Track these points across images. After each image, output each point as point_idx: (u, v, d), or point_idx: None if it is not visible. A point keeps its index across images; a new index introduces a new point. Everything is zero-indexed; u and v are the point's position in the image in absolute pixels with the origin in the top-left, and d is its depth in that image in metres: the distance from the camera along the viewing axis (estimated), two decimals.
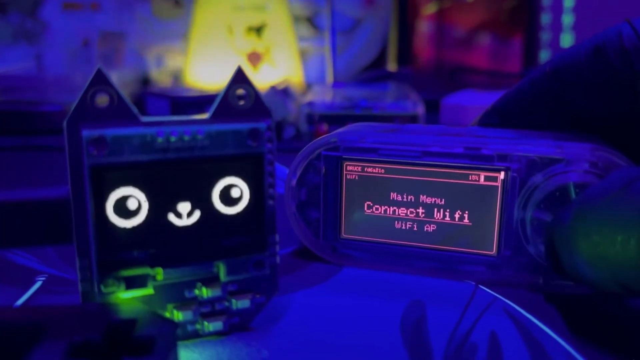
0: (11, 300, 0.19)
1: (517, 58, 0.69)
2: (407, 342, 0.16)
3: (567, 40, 0.62)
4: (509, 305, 0.19)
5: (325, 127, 0.45)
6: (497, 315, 0.18)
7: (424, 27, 0.82)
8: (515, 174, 0.19)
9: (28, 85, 0.59)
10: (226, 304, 0.17)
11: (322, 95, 0.51)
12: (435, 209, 0.20)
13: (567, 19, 0.57)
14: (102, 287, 0.15)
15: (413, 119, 0.45)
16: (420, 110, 0.45)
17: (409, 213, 0.21)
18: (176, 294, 0.16)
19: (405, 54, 0.74)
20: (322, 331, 0.17)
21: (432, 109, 0.52)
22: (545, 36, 0.60)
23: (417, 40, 0.80)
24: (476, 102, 0.51)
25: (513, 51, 0.74)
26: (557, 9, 0.57)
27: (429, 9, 0.81)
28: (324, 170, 0.21)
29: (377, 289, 0.20)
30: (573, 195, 0.18)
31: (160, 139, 0.15)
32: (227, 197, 0.16)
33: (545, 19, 0.58)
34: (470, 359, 0.16)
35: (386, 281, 0.21)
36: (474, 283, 0.20)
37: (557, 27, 0.58)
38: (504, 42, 0.75)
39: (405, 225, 0.21)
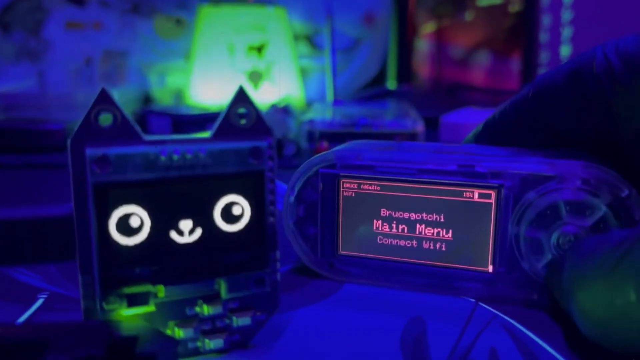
0: (14, 317, 0.19)
1: (515, 76, 0.70)
2: (408, 359, 0.16)
3: (565, 57, 0.62)
4: (509, 322, 0.19)
5: (325, 144, 0.45)
6: (496, 332, 0.18)
7: (423, 46, 0.82)
8: (508, 191, 0.19)
9: (30, 103, 0.59)
10: (227, 321, 0.17)
11: (323, 113, 0.51)
12: (431, 226, 0.21)
13: (566, 32, 0.58)
14: (105, 304, 0.15)
15: (412, 136, 0.45)
16: (420, 127, 0.46)
17: (405, 230, 0.21)
18: (177, 311, 0.16)
19: (405, 72, 0.75)
20: (323, 348, 0.17)
21: (432, 126, 0.53)
22: (543, 54, 0.61)
23: (417, 59, 0.81)
24: (475, 119, 0.52)
25: (512, 69, 0.75)
26: (555, 27, 0.58)
27: (428, 28, 0.82)
28: (321, 187, 0.21)
29: (378, 305, 0.20)
30: (564, 212, 0.19)
31: (163, 158, 0.15)
32: (228, 215, 0.16)
33: (544, 37, 0.59)
34: None
35: (386, 297, 0.21)
36: (473, 300, 0.20)
37: (555, 45, 0.59)
38: (502, 60, 0.76)
39: (401, 242, 0.21)
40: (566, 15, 0.57)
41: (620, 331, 0.14)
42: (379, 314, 0.19)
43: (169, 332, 0.16)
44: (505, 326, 0.19)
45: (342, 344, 0.17)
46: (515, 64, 0.70)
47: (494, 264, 0.20)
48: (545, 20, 0.58)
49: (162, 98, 0.73)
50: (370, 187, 0.21)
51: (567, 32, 0.57)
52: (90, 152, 0.14)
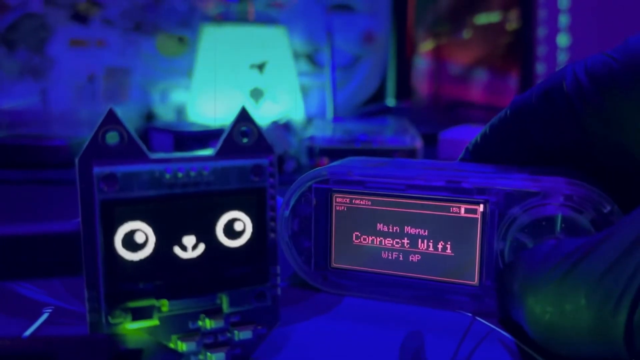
0: (19, 332, 0.19)
1: (513, 92, 0.70)
2: None
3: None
4: (505, 336, 0.19)
5: (325, 160, 0.46)
6: (493, 345, 0.18)
7: (421, 63, 0.83)
8: (493, 207, 0.20)
9: (33, 120, 0.60)
10: (228, 335, 0.17)
11: (323, 130, 0.52)
12: (419, 240, 0.21)
13: (562, 57, 0.59)
14: (110, 318, 0.15)
15: (411, 152, 0.46)
16: (418, 144, 0.46)
17: (394, 243, 0.22)
18: (180, 325, 0.17)
19: (404, 89, 0.76)
20: None
21: (430, 142, 0.53)
22: (540, 71, 0.62)
23: (415, 76, 0.82)
24: (472, 136, 0.52)
25: (509, 86, 0.76)
26: (552, 47, 0.58)
27: (427, 46, 0.83)
28: (314, 201, 0.22)
29: (376, 318, 0.20)
30: (547, 228, 0.19)
31: (168, 175, 0.16)
32: (230, 231, 0.17)
33: (541, 53, 0.60)
34: None
35: (384, 311, 0.21)
36: (470, 315, 0.21)
37: (551, 62, 0.59)
38: (500, 77, 0.76)
39: (391, 255, 0.22)
40: (562, 39, 0.57)
41: (568, 335, 0.15)
42: (377, 326, 0.20)
43: (172, 345, 0.16)
44: (501, 340, 0.19)
45: (341, 357, 0.18)
46: (512, 80, 0.71)
47: (480, 277, 0.20)
48: (541, 33, 0.58)
49: (165, 115, 0.73)
50: (361, 202, 0.22)
51: (562, 56, 0.58)
52: (98, 170, 0.15)
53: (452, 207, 0.21)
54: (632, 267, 0.14)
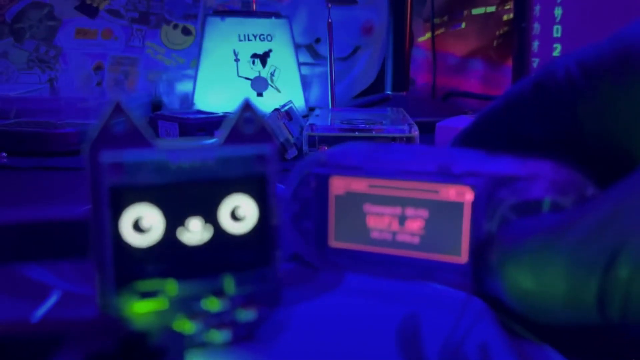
0: (28, 314, 0.20)
1: (509, 82, 0.71)
2: (405, 351, 0.17)
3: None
4: (501, 315, 0.19)
5: (325, 148, 0.46)
6: (489, 324, 0.19)
7: (419, 54, 0.83)
8: (481, 190, 0.21)
9: (42, 107, 0.61)
10: (233, 316, 0.18)
11: (323, 119, 0.52)
12: (411, 221, 0.22)
13: (557, 32, 0.59)
14: (119, 301, 0.16)
15: (409, 141, 0.46)
16: (416, 132, 0.46)
17: (389, 225, 0.22)
18: (187, 307, 0.17)
19: (402, 79, 0.76)
20: (324, 340, 0.18)
21: (428, 131, 0.54)
22: (535, 60, 0.61)
23: (413, 66, 0.82)
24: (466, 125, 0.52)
25: (505, 76, 0.76)
26: (546, 34, 0.58)
27: (424, 36, 0.83)
28: (314, 185, 0.23)
29: (375, 296, 0.21)
30: (533, 210, 0.20)
31: (174, 163, 0.16)
32: (235, 216, 0.17)
33: (535, 43, 0.59)
34: None
35: (383, 289, 0.21)
36: (466, 293, 0.21)
37: (546, 51, 0.59)
38: (496, 67, 0.76)
39: (385, 236, 0.22)
40: (556, 30, 0.57)
41: (545, 303, 0.16)
42: (376, 303, 0.20)
43: (178, 327, 0.17)
44: (498, 319, 0.19)
45: (342, 335, 0.18)
46: (509, 70, 0.71)
47: (469, 256, 0.21)
48: (536, 27, 0.58)
49: (170, 104, 0.74)
50: (358, 186, 0.22)
51: (557, 46, 0.58)
52: (106, 158, 0.15)
53: (442, 190, 0.21)
54: (609, 237, 0.15)
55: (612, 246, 0.15)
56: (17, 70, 0.72)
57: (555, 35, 0.57)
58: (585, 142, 0.21)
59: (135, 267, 0.16)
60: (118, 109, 0.16)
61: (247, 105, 0.17)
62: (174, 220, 0.16)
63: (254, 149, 0.17)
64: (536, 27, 0.59)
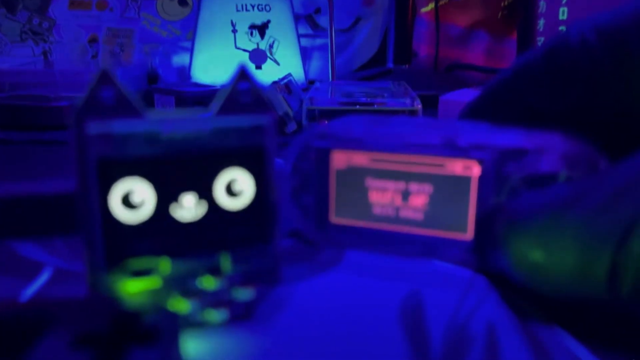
0: (17, 292, 0.19)
1: (513, 55, 0.69)
2: (408, 330, 0.17)
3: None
4: (507, 293, 0.19)
5: (326, 122, 0.45)
6: (495, 303, 0.18)
7: (422, 25, 0.82)
8: (488, 164, 0.20)
9: (36, 81, 0.60)
10: (230, 294, 0.17)
11: (323, 92, 0.51)
12: (415, 196, 0.21)
13: (564, 14, 0.57)
14: (110, 279, 0.15)
15: (412, 114, 0.45)
16: (419, 106, 0.46)
17: (392, 200, 0.22)
18: (181, 285, 0.16)
19: (404, 51, 0.75)
20: (324, 319, 0.17)
21: (431, 105, 0.53)
22: (540, 33, 0.60)
23: (416, 38, 0.81)
24: (471, 98, 0.51)
25: (510, 48, 0.74)
26: (553, 6, 0.57)
27: (427, 7, 0.81)
28: (314, 159, 0.22)
29: (377, 273, 0.20)
30: (542, 184, 0.19)
31: (165, 134, 0.15)
32: (231, 190, 0.16)
33: (541, 16, 0.58)
34: (469, 346, 0.16)
35: (384, 266, 0.21)
36: (471, 270, 0.21)
37: (551, 24, 0.58)
38: (501, 39, 0.75)
39: (388, 211, 0.22)
40: (562, 12, 0.56)
41: (553, 275, 0.15)
42: (378, 281, 0.20)
43: (173, 306, 0.16)
44: (503, 297, 0.19)
45: (342, 314, 0.18)
46: (513, 43, 0.69)
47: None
48: (542, 5, 0.57)
49: (167, 77, 0.73)
50: (359, 159, 0.22)
51: (563, 13, 0.57)
52: (93, 128, 0.15)
53: (448, 164, 0.20)
54: (621, 210, 0.14)
55: (627, 218, 0.14)
56: (10, 43, 0.71)
57: (561, 17, 0.56)
58: (599, 113, 0.20)
59: (126, 244, 0.16)
60: (105, 77, 0.15)
61: (243, 73, 0.16)
62: (166, 196, 0.16)
63: (250, 119, 0.16)
64: (542, 4, 0.57)
